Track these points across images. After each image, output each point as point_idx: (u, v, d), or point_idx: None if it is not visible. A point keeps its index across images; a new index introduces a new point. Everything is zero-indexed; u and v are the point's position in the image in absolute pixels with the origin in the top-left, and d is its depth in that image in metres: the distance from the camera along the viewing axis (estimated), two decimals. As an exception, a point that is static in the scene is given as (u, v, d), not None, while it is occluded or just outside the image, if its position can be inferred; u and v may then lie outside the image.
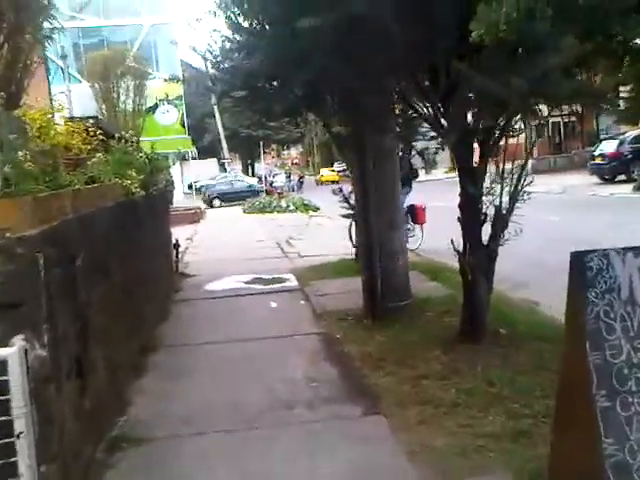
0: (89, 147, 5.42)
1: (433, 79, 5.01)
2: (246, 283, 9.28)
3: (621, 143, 23.53)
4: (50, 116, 4.16)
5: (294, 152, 78.25)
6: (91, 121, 5.65)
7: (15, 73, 3.65)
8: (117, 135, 6.29)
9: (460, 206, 5.46)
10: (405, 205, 10.41)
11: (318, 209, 22.41)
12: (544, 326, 5.94)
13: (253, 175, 51.07)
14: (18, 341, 3.03)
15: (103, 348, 4.28)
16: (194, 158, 43.13)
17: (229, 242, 14.10)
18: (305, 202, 23.25)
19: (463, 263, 5.41)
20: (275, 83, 8.48)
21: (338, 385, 4.93)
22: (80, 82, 26.88)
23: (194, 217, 19.80)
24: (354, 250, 9.85)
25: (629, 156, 22.68)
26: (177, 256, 10.05)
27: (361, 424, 4.23)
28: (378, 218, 6.49)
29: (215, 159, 47.20)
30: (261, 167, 41.86)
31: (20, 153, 3.07)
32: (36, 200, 3.16)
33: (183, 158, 40.96)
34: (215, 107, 35.98)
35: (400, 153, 9.67)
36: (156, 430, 4.23)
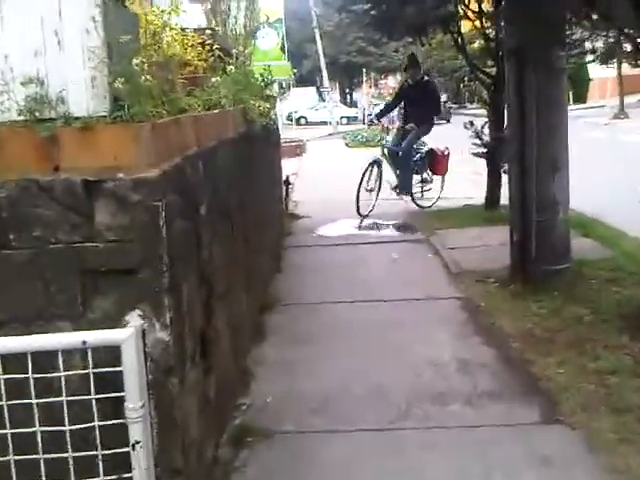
0: (205, 64, 4.55)
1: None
2: (361, 228, 8.37)
3: None
4: (166, 19, 3.27)
5: (392, 81, 75.58)
6: (208, 32, 4.74)
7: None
8: (234, 52, 5.37)
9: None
10: (424, 149, 9.47)
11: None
12: None
13: (352, 105, 49.60)
14: (134, 319, 2.26)
15: (226, 312, 3.51)
16: (292, 86, 42.01)
17: (336, 179, 13.13)
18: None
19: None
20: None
21: (499, 373, 3.99)
22: (182, 2, 26.04)
23: (297, 150, 18.88)
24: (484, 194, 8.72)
25: None
26: (287, 194, 9.24)
27: (541, 436, 3.28)
28: (538, 157, 5.30)
29: (313, 87, 45.89)
30: (361, 96, 40.27)
31: (135, 62, 2.21)
32: (156, 128, 2.31)
33: (281, 86, 39.99)
34: (316, 31, 34.47)
35: (425, 77, 9.39)
36: (285, 420, 3.45)
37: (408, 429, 3.38)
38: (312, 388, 3.80)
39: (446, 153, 9.54)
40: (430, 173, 9.67)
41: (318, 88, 45.96)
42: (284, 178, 9.30)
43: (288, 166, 13.36)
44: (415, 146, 9.34)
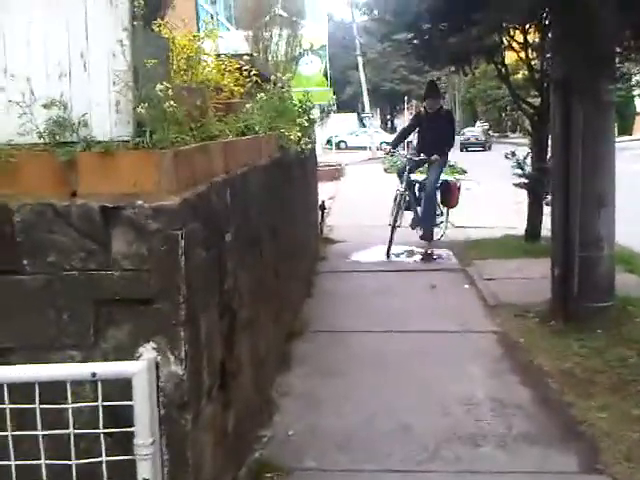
0: (242, 90, 4.51)
1: None
2: (397, 255, 8.21)
3: None
4: (200, 44, 3.22)
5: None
6: (245, 58, 4.71)
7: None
8: (272, 77, 5.33)
9: None
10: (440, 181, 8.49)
11: (465, 172, 20.77)
12: None
13: (392, 131, 49.58)
14: (148, 352, 2.17)
15: (251, 341, 3.41)
16: (333, 111, 42.22)
17: (372, 204, 13.01)
18: (451, 163, 21.58)
19: None
20: (445, 24, 7.27)
21: (535, 415, 3.78)
22: (228, 30, 26.42)
23: (335, 174, 18.85)
24: (525, 226, 8.49)
25: None
26: (322, 219, 9.15)
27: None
28: (583, 191, 5.10)
29: (354, 113, 46.07)
30: (402, 122, 40.20)
31: (160, 87, 2.14)
32: (178, 155, 2.23)
33: (322, 111, 40.22)
34: (359, 58, 34.67)
35: (443, 106, 9.06)
36: (306, 456, 3.31)
37: (436, 471, 3.21)
38: (337, 423, 3.66)
39: (458, 185, 8.88)
40: (441, 206, 8.73)
41: (359, 114, 46.13)
42: (320, 202, 9.23)
43: (325, 190, 13.33)
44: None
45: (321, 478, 3.16)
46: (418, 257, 8.13)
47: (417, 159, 8.44)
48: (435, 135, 8.30)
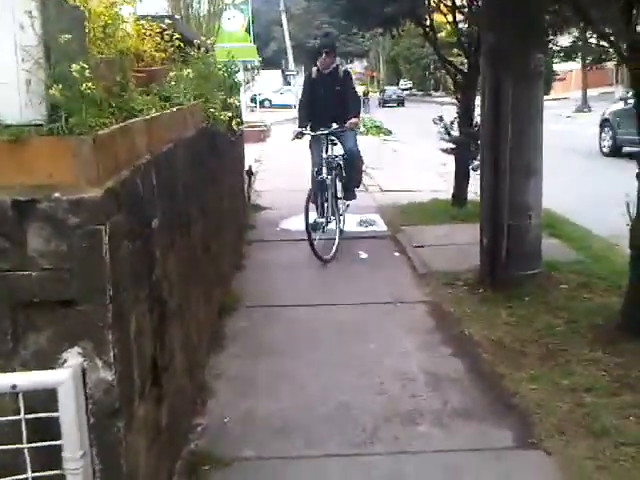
0: (164, 55, 4.25)
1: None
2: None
3: None
4: (118, 9, 2.95)
5: (358, 66, 75.24)
6: (167, 22, 4.42)
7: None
8: (196, 42, 5.05)
9: (638, 156, 4.11)
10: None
11: (391, 133, 20.85)
12: None
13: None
14: (73, 357, 2.00)
15: (182, 328, 3.25)
16: (258, 72, 41.36)
17: (299, 166, 12.86)
18: (377, 124, 21.62)
19: (638, 235, 4.12)
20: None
21: (469, 389, 3.81)
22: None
23: (261, 135, 18.48)
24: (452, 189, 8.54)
25: None
26: (250, 184, 8.94)
27: (515, 462, 3.12)
28: (512, 162, 5.13)
29: (279, 70, 45.26)
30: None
31: (75, 67, 1.91)
32: (98, 140, 2.02)
33: (246, 68, 39.32)
34: (283, 14, 33.91)
35: (339, 65, 7.03)
36: (245, 444, 3.21)
37: (376, 454, 3.18)
38: (274, 406, 3.58)
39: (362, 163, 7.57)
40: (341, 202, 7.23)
41: (283, 71, 45.38)
42: (247, 167, 9.00)
43: (251, 152, 13.04)
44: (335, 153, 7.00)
45: (260, 467, 3.07)
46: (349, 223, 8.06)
47: (329, 131, 6.82)
48: (337, 101, 6.85)
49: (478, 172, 6.75)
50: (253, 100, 34.76)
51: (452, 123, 8.29)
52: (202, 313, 3.97)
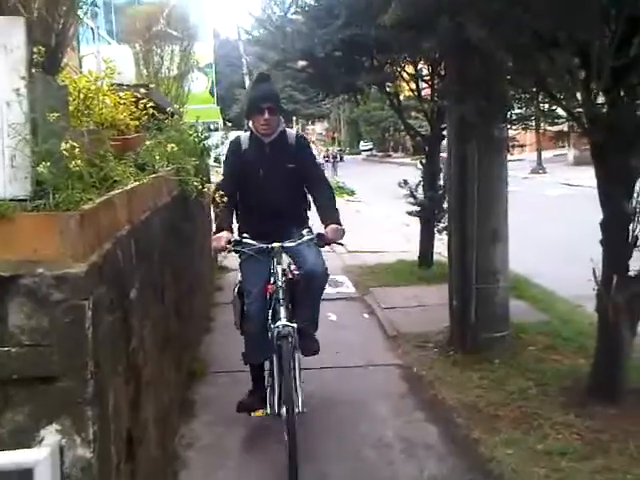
0: (137, 123, 4.30)
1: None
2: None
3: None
4: (100, 84, 3.00)
5: (319, 127, 76.76)
6: (142, 91, 4.49)
7: (55, 18, 2.49)
8: (169, 109, 5.14)
9: (603, 225, 4.25)
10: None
11: (354, 193, 21.17)
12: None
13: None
14: (50, 435, 1.95)
15: (154, 396, 3.18)
16: (217, 129, 41.77)
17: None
18: (340, 184, 21.95)
19: (605, 300, 4.22)
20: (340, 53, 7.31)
21: (445, 455, 3.79)
22: (109, 44, 25.45)
23: (224, 195, 18.50)
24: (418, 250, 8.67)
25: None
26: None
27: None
28: (479, 228, 5.27)
29: (242, 131, 45.78)
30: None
31: (65, 145, 1.93)
32: (84, 216, 2.03)
33: (209, 129, 39.72)
34: (246, 77, 34.63)
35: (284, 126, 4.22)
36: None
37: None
38: (247, 477, 3.49)
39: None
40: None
41: (246, 132, 45.93)
42: (214, 229, 9.00)
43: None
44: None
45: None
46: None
47: (286, 246, 3.90)
48: (288, 189, 4.12)
49: (444, 234, 6.91)
50: (216, 160, 34.98)
51: (417, 186, 8.48)
52: (173, 380, 3.91)
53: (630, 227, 4.16)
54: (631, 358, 4.36)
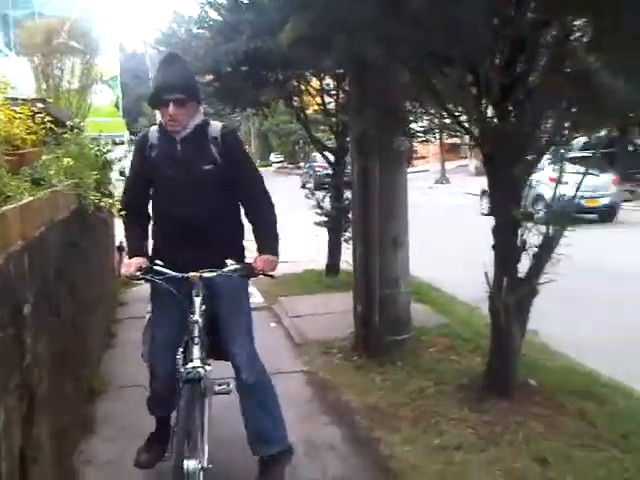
0: (34, 138, 4.20)
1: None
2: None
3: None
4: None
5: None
6: (39, 105, 4.40)
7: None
8: (69, 123, 5.04)
9: (494, 231, 4.52)
10: None
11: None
12: (572, 372, 5.14)
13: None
14: None
15: (50, 412, 3.12)
16: (122, 143, 40.88)
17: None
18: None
19: (497, 302, 4.48)
20: (247, 68, 7.40)
21: (347, 455, 3.91)
22: (7, 56, 24.44)
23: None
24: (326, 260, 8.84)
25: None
26: (121, 261, 8.75)
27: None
28: (381, 236, 5.47)
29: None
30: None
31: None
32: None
33: (114, 142, 38.73)
34: (153, 90, 34.11)
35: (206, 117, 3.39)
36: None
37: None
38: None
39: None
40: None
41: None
42: (118, 243, 8.84)
43: (120, 226, 12.75)
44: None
45: None
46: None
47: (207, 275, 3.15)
48: (203, 197, 3.31)
49: (350, 243, 7.09)
50: (122, 174, 34.17)
51: (324, 198, 8.67)
52: (71, 396, 3.84)
53: (519, 232, 4.45)
54: (521, 355, 4.66)
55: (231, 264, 3.18)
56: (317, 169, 27.68)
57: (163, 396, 3.47)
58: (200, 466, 2.96)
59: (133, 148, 3.66)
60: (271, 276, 3.44)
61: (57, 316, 3.46)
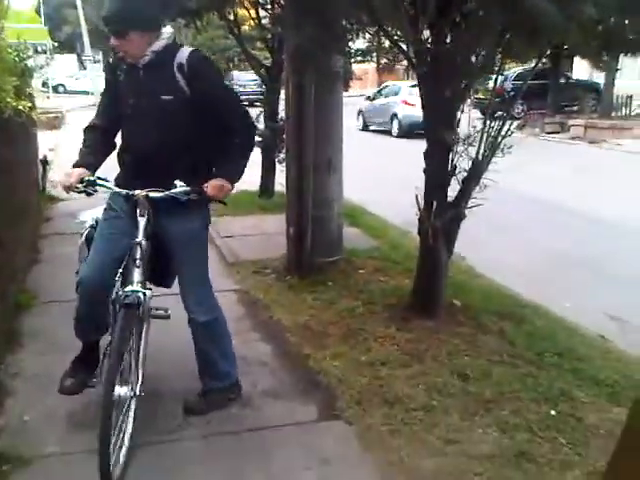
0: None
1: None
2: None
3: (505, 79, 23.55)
4: None
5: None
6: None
7: None
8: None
9: (426, 155, 4.54)
10: None
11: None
12: (495, 294, 5.37)
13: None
14: None
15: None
16: (50, 55, 38.64)
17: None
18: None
19: (426, 224, 4.55)
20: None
21: (278, 370, 3.99)
22: None
23: (55, 122, 17.35)
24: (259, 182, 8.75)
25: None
26: (45, 174, 8.41)
27: (320, 434, 3.32)
28: (316, 158, 5.42)
29: (74, 55, 42.63)
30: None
31: None
32: None
33: (36, 50, 36.53)
34: (77, -3, 32.08)
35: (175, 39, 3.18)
36: (47, 441, 3.10)
37: (188, 439, 3.22)
38: (77, 402, 3.45)
39: None
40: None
41: (79, 55, 42.85)
42: (41, 156, 8.47)
43: (46, 140, 12.21)
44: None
45: (63, 462, 2.97)
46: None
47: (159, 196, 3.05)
48: (161, 127, 3.10)
49: (284, 165, 7.01)
50: (45, 85, 32.45)
51: (257, 117, 8.46)
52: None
53: (450, 157, 4.48)
54: (447, 277, 4.79)
55: (180, 186, 3.01)
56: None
57: (88, 318, 3.31)
58: (132, 393, 2.92)
59: (106, 69, 3.36)
60: (223, 203, 3.24)
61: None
